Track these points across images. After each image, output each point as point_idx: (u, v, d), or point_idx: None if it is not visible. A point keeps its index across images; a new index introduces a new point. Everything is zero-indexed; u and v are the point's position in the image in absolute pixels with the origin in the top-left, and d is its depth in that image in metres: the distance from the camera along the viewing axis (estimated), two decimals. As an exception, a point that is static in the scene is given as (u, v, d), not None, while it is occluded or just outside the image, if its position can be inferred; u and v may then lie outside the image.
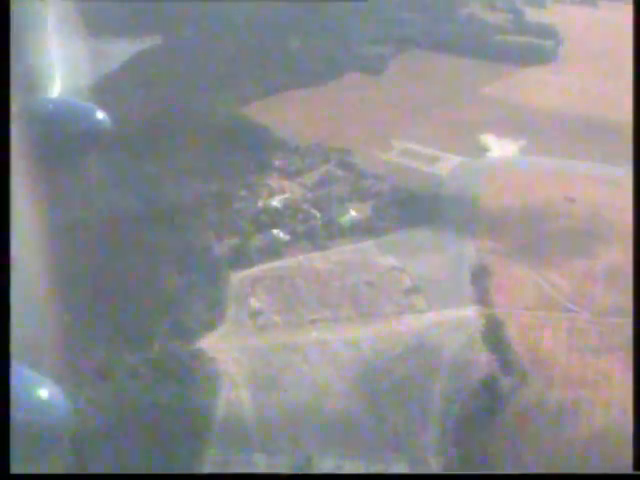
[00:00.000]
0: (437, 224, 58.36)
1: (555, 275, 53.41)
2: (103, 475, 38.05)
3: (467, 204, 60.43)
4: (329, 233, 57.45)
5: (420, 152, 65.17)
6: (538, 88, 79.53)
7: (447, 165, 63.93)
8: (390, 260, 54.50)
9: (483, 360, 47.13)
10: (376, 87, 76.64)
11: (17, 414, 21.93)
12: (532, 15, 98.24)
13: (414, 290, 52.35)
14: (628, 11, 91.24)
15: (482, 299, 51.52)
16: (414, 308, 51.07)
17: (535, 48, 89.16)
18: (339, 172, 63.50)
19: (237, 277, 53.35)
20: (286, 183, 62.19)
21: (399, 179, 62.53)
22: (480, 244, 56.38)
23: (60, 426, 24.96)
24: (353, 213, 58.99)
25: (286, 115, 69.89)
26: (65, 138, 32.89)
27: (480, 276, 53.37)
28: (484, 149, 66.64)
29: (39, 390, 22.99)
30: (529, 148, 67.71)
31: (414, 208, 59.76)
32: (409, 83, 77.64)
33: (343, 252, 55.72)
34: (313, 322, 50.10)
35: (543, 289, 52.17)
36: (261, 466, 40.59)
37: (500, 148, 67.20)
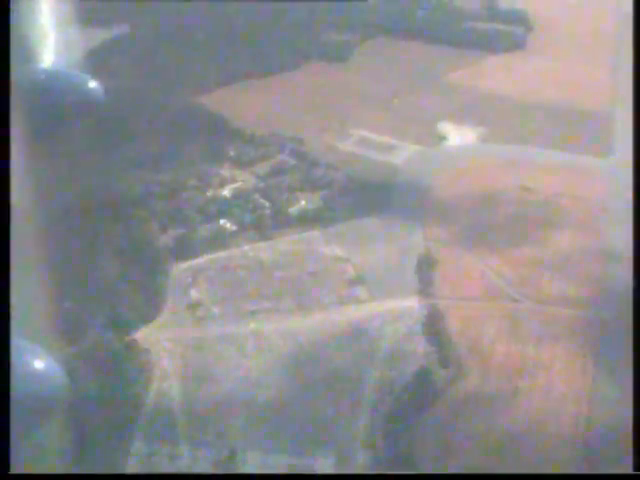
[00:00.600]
0: (388, 213, 57.40)
1: (502, 264, 52.44)
2: (103, 475, 37.71)
3: (420, 193, 59.45)
4: (277, 223, 56.42)
5: (377, 141, 64.11)
6: (504, 75, 78.40)
7: (403, 154, 62.86)
8: (336, 250, 53.51)
9: (421, 352, 46.14)
10: (339, 75, 75.56)
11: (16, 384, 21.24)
12: (505, 1, 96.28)
13: (357, 280, 51.39)
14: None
15: (425, 289, 50.58)
16: (355, 299, 50.06)
17: (505, 35, 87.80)
18: (292, 161, 62.35)
19: (180, 268, 52.17)
20: (238, 172, 61.00)
21: (353, 168, 61.48)
22: (429, 233, 55.46)
23: (57, 395, 24.29)
24: (303, 203, 57.91)
25: (244, 104, 68.80)
26: (57, 108, 32.16)
27: (425, 266, 52.40)
28: (442, 137, 65.36)
29: (35, 360, 22.39)
30: (489, 136, 66.41)
31: (365, 197, 58.74)
32: (373, 71, 76.48)
33: (289, 242, 54.64)
34: (252, 313, 49.19)
35: (489, 279, 51.19)
36: (185, 458, 39.69)
37: (459, 136, 65.87)
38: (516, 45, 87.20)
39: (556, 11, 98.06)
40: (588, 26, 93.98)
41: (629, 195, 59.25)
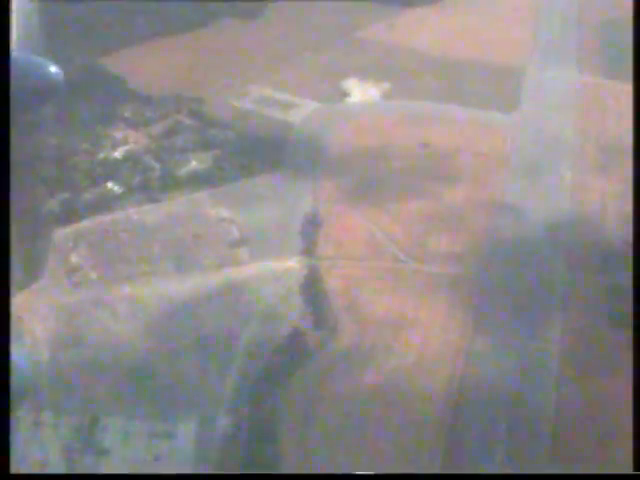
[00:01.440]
0: (280, 172, 56.40)
1: (391, 222, 51.66)
2: (103, 475, 36.93)
3: (314, 151, 58.46)
4: (165, 185, 55.15)
5: (276, 98, 62.68)
6: (419, 30, 77.09)
7: (302, 111, 61.55)
8: (222, 211, 52.49)
9: (296, 313, 45.35)
10: (249, 32, 73.71)
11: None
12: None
13: (240, 242, 50.47)
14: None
15: (308, 250, 49.73)
16: (236, 260, 49.14)
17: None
18: (188, 121, 60.88)
19: (62, 233, 50.87)
20: (132, 134, 59.40)
21: (248, 127, 60.26)
22: (319, 192, 54.56)
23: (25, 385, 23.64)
24: (194, 163, 56.59)
25: (146, 64, 67.09)
26: (17, 93, 30.61)
27: (311, 225, 51.59)
28: (344, 94, 64.10)
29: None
30: (395, 92, 65.11)
31: (258, 156, 57.66)
32: (284, 28, 74.86)
33: (176, 204, 53.44)
34: (129, 277, 48.08)
35: (375, 238, 50.43)
36: (48, 425, 38.95)
37: (362, 92, 64.77)
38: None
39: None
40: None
41: (530, 149, 58.65)
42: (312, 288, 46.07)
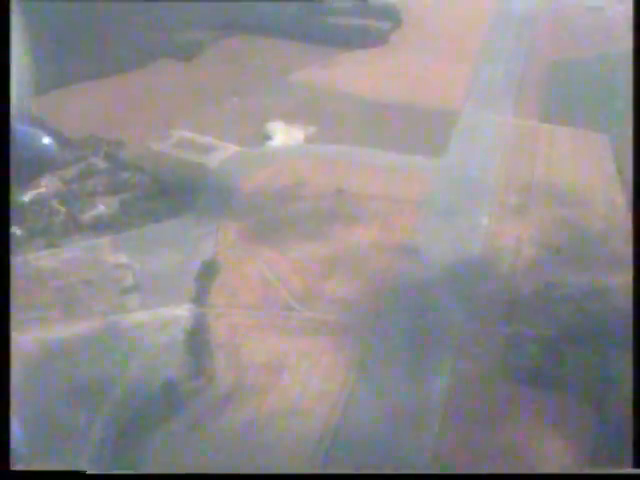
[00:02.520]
0: (187, 217, 55.31)
1: (289, 269, 50.52)
2: (103, 475, 35.76)
3: (226, 196, 57.43)
4: (68, 230, 54.33)
5: (197, 142, 61.85)
6: (356, 72, 76.53)
7: (221, 155, 60.70)
8: (121, 257, 51.56)
9: (176, 363, 44.14)
10: (182, 74, 73.18)
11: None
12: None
13: (133, 289, 49.47)
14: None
15: (200, 297, 48.48)
16: (125, 307, 47.94)
17: (369, 30, 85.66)
18: (103, 165, 60.09)
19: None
20: (46, 177, 58.50)
21: (163, 171, 59.39)
22: (223, 237, 53.54)
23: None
24: (100, 208, 55.69)
25: (72, 107, 66.71)
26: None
27: (208, 272, 50.48)
28: (267, 137, 63.18)
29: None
30: (319, 136, 64.34)
31: (167, 201, 56.86)
32: (219, 69, 74.54)
33: (75, 250, 52.46)
34: (18, 323, 46.81)
35: (270, 285, 49.35)
36: None
37: (285, 136, 63.84)
38: (378, 41, 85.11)
39: (435, 7, 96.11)
40: (464, 23, 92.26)
41: (449, 194, 57.64)
42: (196, 337, 44.92)
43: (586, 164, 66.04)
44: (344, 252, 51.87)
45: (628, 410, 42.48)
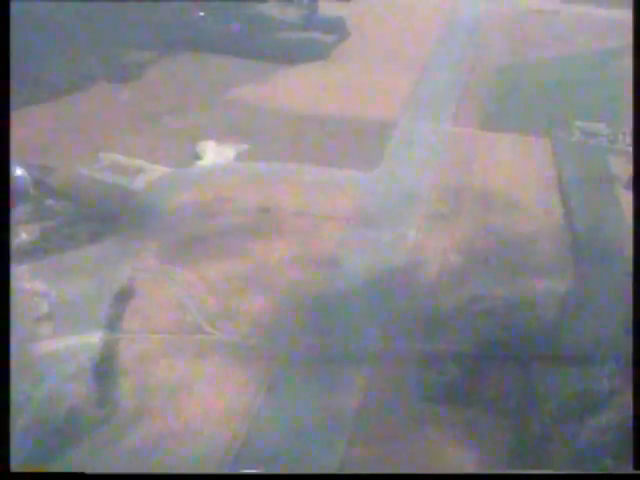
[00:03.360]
0: (107, 242, 54.57)
1: (205, 291, 49.84)
2: (103, 475, 34.80)
3: (148, 219, 56.71)
4: (-12, 258, 53.31)
5: (127, 165, 61.29)
6: (296, 88, 76.12)
7: (148, 177, 59.95)
8: (38, 285, 50.67)
9: (82, 391, 43.45)
10: (121, 95, 72.62)
11: None
12: (330, 9, 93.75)
13: (47, 317, 48.69)
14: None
15: (112, 324, 47.81)
16: (38, 336, 47.28)
17: (313, 44, 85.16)
18: (30, 191, 59.31)
19: None
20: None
21: (88, 196, 58.66)
22: (141, 261, 52.63)
23: None
24: (23, 235, 55.03)
25: None
26: None
27: (122, 298, 49.75)
28: (197, 157, 62.60)
29: None
30: (251, 153, 63.75)
31: (90, 226, 56.19)
32: (157, 90, 73.99)
33: (-7, 279, 51.51)
34: None
35: (185, 308, 48.65)
36: None
37: (216, 155, 63.24)
38: (322, 55, 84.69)
39: (385, 19, 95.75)
40: (413, 34, 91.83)
41: (377, 208, 56.98)
42: (104, 365, 44.05)
43: (523, 170, 65.70)
44: (262, 269, 51.27)
45: (549, 427, 42.13)
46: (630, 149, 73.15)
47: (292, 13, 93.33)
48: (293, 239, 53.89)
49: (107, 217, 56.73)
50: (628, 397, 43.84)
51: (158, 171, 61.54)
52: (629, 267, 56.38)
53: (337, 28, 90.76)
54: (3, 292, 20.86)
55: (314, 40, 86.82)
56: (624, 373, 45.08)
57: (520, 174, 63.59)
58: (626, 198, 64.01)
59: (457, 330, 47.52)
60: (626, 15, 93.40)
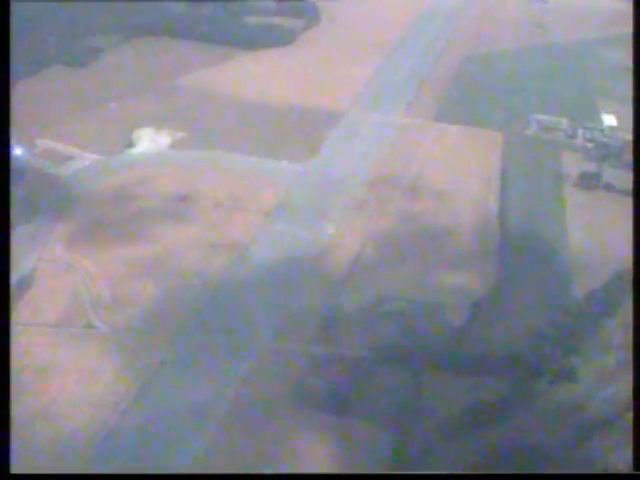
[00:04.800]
0: (19, 230, 54.09)
1: (102, 282, 49.25)
2: (103, 475, 36.09)
3: (66, 207, 56.24)
4: None
5: (60, 151, 60.93)
6: (251, 74, 75.06)
7: (77, 164, 59.50)
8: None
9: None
10: (73, 81, 72.25)
11: None
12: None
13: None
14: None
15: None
16: None
17: (279, 29, 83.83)
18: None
19: None
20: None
21: (15, 182, 57.99)
22: (47, 251, 52.22)
23: None
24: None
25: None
26: None
27: (20, 288, 49.27)
28: (130, 145, 61.91)
29: None
30: (187, 142, 62.95)
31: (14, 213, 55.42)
32: (109, 75, 73.53)
33: None
34: None
35: (78, 300, 47.94)
36: None
37: (150, 142, 62.42)
38: (287, 40, 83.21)
39: (361, 6, 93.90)
40: (387, 21, 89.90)
41: (298, 201, 55.83)
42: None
43: (466, 163, 63.78)
44: (165, 258, 50.44)
45: (431, 442, 40.78)
46: (589, 145, 70.83)
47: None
48: (205, 230, 52.85)
49: (27, 204, 56.06)
50: (523, 413, 42.67)
51: (88, 159, 60.78)
52: (565, 270, 54.89)
53: (308, 14, 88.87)
54: (3, 292, 20.48)
55: (280, 26, 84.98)
56: (523, 386, 43.62)
57: (461, 167, 61.77)
58: (574, 196, 61.86)
59: (354, 333, 46.13)
60: (622, 6, 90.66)
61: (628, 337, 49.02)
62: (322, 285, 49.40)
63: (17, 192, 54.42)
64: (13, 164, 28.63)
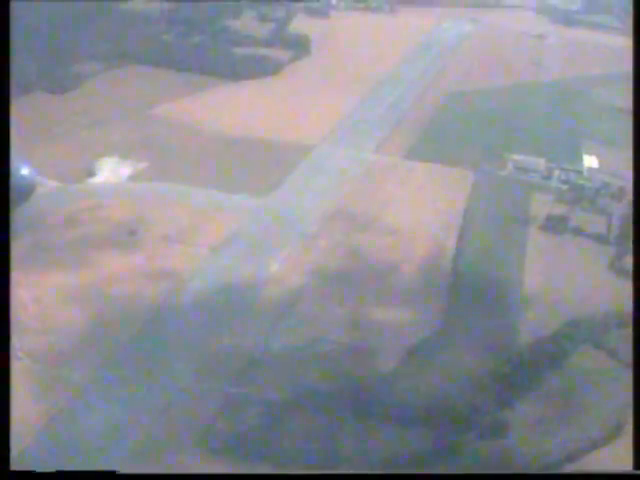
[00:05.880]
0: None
1: (30, 311, 48.89)
2: (104, 475, 36.71)
3: (20, 233, 56.12)
4: None
5: (20, 178, 60.64)
6: (229, 106, 75.04)
7: (36, 191, 59.43)
8: None
9: None
10: (49, 107, 72.76)
11: None
12: (299, 26, 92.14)
13: None
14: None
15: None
16: None
17: (266, 61, 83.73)
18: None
19: None
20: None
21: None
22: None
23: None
24: None
25: None
26: None
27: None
28: (90, 174, 62.00)
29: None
30: (149, 173, 62.81)
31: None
32: (89, 102, 74.16)
33: None
34: None
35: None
36: None
37: (111, 173, 62.39)
38: (272, 72, 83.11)
39: (354, 38, 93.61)
40: (378, 54, 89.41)
41: (245, 238, 55.26)
42: None
43: (429, 203, 62.51)
44: (103, 283, 50.11)
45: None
46: (563, 187, 69.46)
47: (261, 28, 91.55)
48: (147, 262, 52.52)
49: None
50: (444, 467, 41.17)
51: (46, 186, 60.79)
52: (514, 317, 53.30)
53: (299, 45, 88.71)
54: (3, 292, 20.70)
55: (267, 57, 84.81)
56: (448, 439, 42.30)
57: (423, 206, 60.68)
58: (537, 240, 60.37)
59: (277, 375, 45.01)
60: (621, 43, 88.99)
61: (571, 393, 47.56)
62: (254, 323, 48.56)
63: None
64: (22, 183, 27.97)
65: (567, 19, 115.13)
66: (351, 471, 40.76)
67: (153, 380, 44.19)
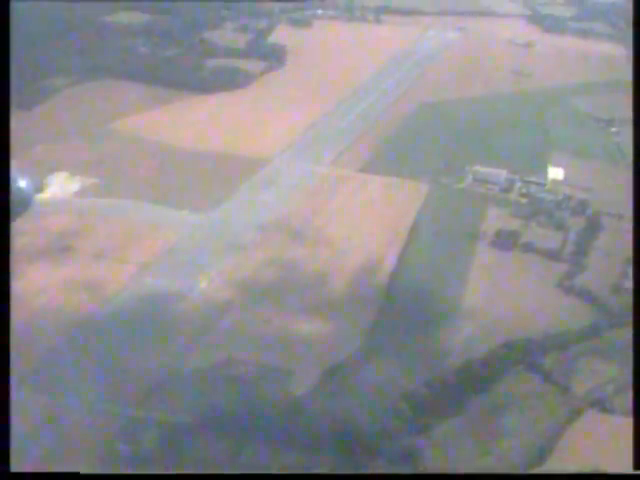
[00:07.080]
0: None
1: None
2: (103, 475, 37.24)
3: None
4: None
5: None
6: (189, 119, 74.25)
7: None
8: None
9: None
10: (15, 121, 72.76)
11: None
12: (279, 36, 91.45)
13: None
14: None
15: None
16: None
17: (238, 73, 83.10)
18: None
19: None
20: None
21: None
22: None
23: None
24: None
25: None
26: None
27: None
28: (38, 190, 61.85)
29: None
30: (99, 188, 62.71)
31: None
32: (52, 117, 74.38)
33: None
34: None
35: None
36: None
37: (59, 188, 62.44)
38: (242, 84, 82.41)
39: (337, 49, 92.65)
40: (356, 65, 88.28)
41: (179, 256, 54.73)
42: None
43: (379, 215, 61.30)
44: (28, 294, 49.85)
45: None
46: (522, 199, 67.78)
47: (239, 39, 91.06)
48: (75, 277, 52.37)
49: None
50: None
51: (-8, 202, 60.72)
52: (446, 338, 51.83)
53: (274, 56, 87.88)
54: (3, 292, 20.79)
55: (239, 69, 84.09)
56: (355, 465, 41.29)
57: (370, 219, 59.48)
58: (483, 256, 58.83)
59: (186, 397, 44.24)
60: (609, 50, 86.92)
61: (493, 418, 46.03)
62: (172, 342, 47.65)
63: None
64: (19, 197, 27.84)
65: (559, 27, 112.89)
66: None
67: (58, 398, 43.59)
